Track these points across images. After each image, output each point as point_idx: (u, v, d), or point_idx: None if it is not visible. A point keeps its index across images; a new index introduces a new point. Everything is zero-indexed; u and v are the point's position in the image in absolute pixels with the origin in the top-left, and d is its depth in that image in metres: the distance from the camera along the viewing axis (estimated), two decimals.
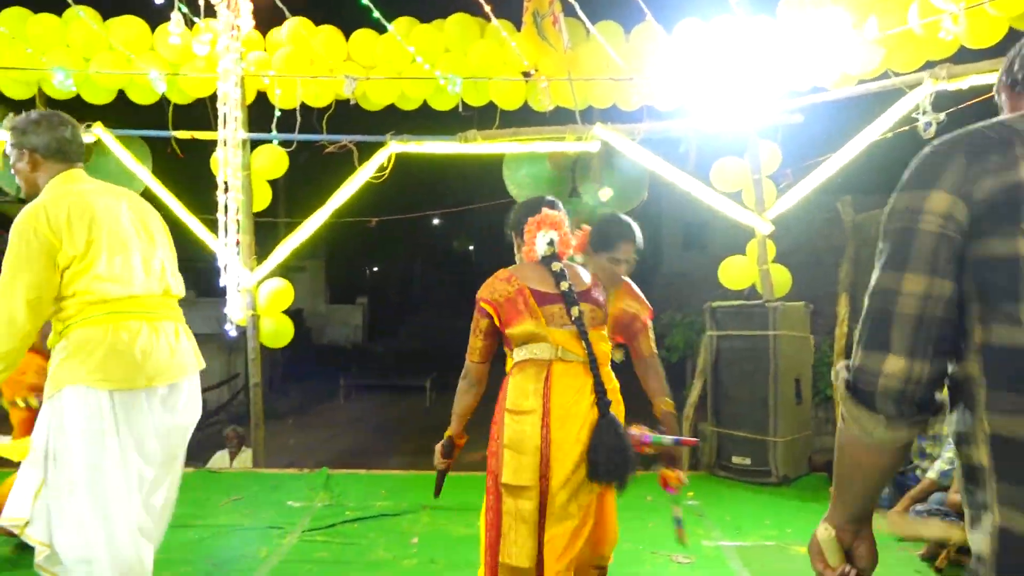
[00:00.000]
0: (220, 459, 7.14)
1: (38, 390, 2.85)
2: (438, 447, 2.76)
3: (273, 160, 6.10)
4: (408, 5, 5.95)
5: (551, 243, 2.52)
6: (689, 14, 5.53)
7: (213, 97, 5.87)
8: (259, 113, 6.11)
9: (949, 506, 3.62)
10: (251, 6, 5.70)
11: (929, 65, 5.04)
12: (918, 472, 4.14)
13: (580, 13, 5.30)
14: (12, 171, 2.58)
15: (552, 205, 2.61)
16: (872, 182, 7.72)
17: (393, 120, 6.22)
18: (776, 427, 5.11)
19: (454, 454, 2.76)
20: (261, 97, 6.12)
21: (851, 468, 1.23)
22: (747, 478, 5.20)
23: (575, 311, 2.42)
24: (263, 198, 6.19)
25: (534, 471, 2.34)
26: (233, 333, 5.97)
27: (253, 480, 5.28)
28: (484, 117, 6.06)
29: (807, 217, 7.30)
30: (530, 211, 2.59)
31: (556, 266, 2.49)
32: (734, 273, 6.05)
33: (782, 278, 5.84)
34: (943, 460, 3.84)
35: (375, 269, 28.47)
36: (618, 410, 2.55)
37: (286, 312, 6.21)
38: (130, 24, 5.90)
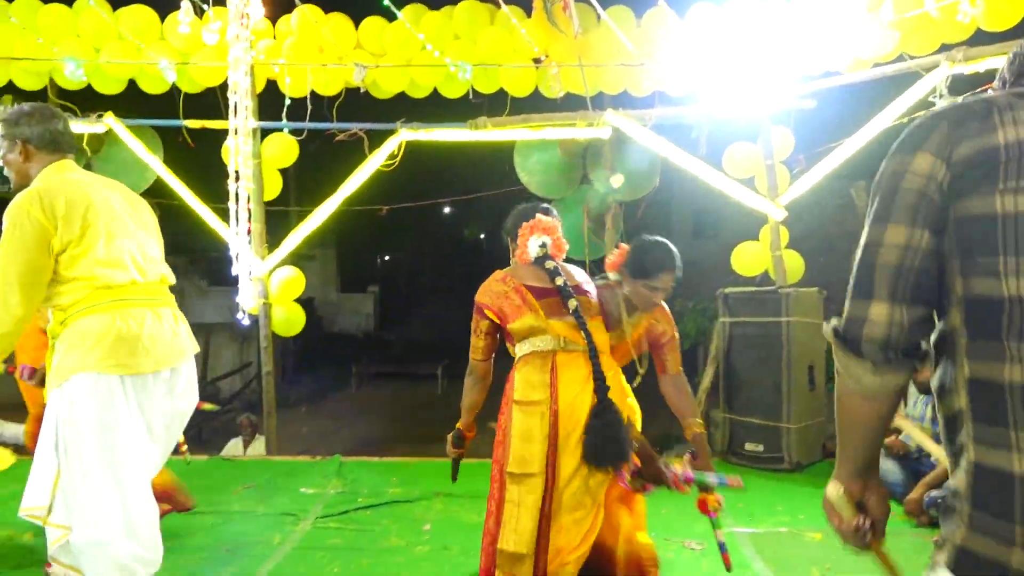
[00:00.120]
0: (234, 447, 7.19)
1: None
2: (449, 438, 2.87)
3: (283, 148, 6.10)
4: None
5: (543, 246, 2.64)
6: None
7: (223, 86, 5.86)
8: (269, 102, 6.10)
9: None
10: None
11: (945, 48, 4.97)
12: (933, 458, 4.12)
13: None
14: (2, 162, 2.59)
15: (546, 212, 2.74)
16: None
17: (403, 108, 6.21)
18: (789, 413, 5.10)
19: (465, 445, 2.88)
20: (271, 86, 6.11)
21: (849, 420, 1.33)
22: (760, 465, 5.19)
23: (572, 303, 2.51)
24: (274, 187, 6.19)
25: (541, 459, 2.39)
26: (245, 322, 6.00)
27: (266, 467, 5.31)
28: (494, 104, 6.04)
29: (820, 203, 7.25)
30: (524, 217, 2.71)
31: (550, 264, 2.60)
32: (747, 259, 6.02)
33: (795, 264, 5.80)
34: None
35: (386, 258, 28.48)
36: (621, 397, 2.55)
37: (298, 301, 6.22)
38: (140, 13, 5.91)
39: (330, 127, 6.06)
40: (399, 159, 5.95)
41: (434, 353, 16.24)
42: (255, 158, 5.93)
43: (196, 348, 2.72)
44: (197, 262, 17.60)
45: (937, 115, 1.22)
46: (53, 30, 5.86)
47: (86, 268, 2.41)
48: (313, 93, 5.96)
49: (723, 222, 14.23)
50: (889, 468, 4.33)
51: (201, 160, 6.30)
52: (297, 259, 6.30)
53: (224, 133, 5.86)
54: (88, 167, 6.34)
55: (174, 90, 6.09)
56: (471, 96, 6.02)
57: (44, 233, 2.36)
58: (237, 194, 5.79)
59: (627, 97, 6.00)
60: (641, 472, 2.56)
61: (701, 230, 17.08)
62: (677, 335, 2.95)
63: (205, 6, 5.65)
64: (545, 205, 2.79)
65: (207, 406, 3.90)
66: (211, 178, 6.09)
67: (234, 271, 5.88)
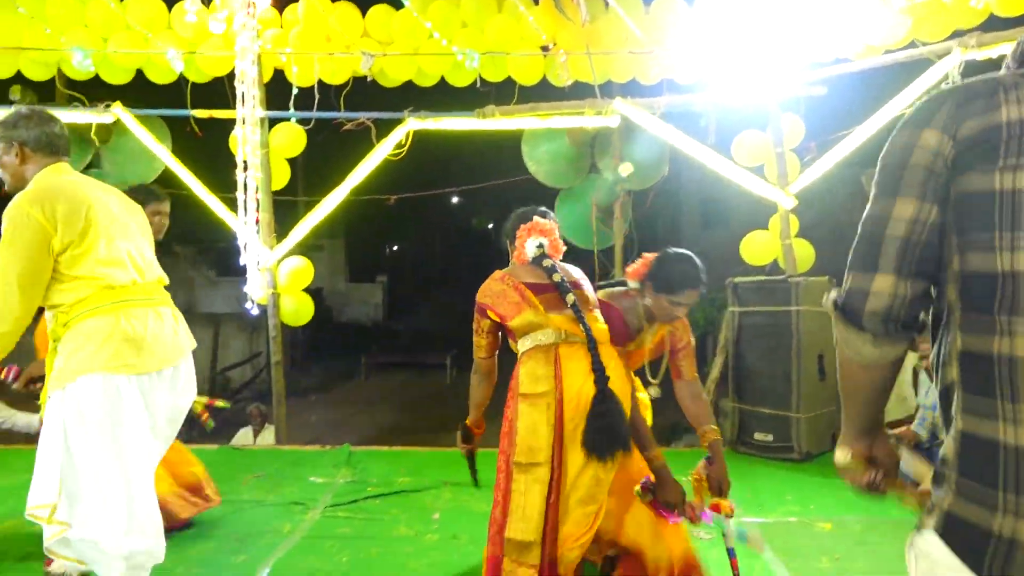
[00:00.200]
0: (244, 436, 7.22)
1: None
2: (457, 434, 2.97)
3: (291, 138, 6.08)
4: None
5: (540, 246, 2.70)
6: None
7: (231, 76, 5.86)
8: (277, 91, 6.09)
9: None
10: None
11: (958, 34, 4.91)
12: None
13: None
14: None
15: (544, 215, 2.80)
16: None
17: (411, 97, 6.18)
18: (799, 403, 5.07)
19: (473, 440, 2.98)
20: (278, 75, 6.10)
21: (850, 387, 1.38)
22: (769, 454, 5.17)
23: (569, 298, 2.57)
24: (282, 177, 6.19)
25: (547, 449, 2.44)
26: (254, 312, 6.01)
27: (276, 457, 5.33)
28: (502, 93, 6.01)
29: (831, 191, 7.19)
30: (522, 220, 2.78)
31: (547, 262, 2.66)
32: (756, 248, 5.98)
33: (805, 253, 5.77)
34: None
35: (394, 248, 28.52)
36: (623, 387, 2.57)
37: (307, 291, 6.23)
38: (147, 3, 5.89)
39: (337, 116, 6.04)
40: (406, 148, 5.94)
41: (443, 343, 16.27)
42: (263, 148, 5.92)
43: (194, 344, 2.77)
44: (206, 252, 17.66)
45: (945, 93, 1.24)
46: (61, 20, 5.85)
47: (88, 268, 2.44)
48: (320, 82, 5.95)
49: (732, 211, 14.17)
50: (903, 458, 4.30)
51: (209, 150, 6.30)
52: (306, 249, 6.30)
53: (232, 123, 5.86)
54: (97, 157, 6.37)
55: (182, 80, 6.08)
56: (479, 85, 5.99)
57: (44, 234, 2.38)
58: (245, 184, 5.79)
59: (636, 85, 5.96)
60: (656, 494, 2.61)
61: (710, 219, 17.00)
62: (693, 341, 2.97)
63: None
64: (542, 208, 2.86)
65: (220, 403, 3.94)
66: (219, 168, 6.09)
67: (242, 261, 5.89)
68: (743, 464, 5.07)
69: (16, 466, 4.74)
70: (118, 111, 5.95)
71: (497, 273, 2.72)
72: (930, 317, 1.30)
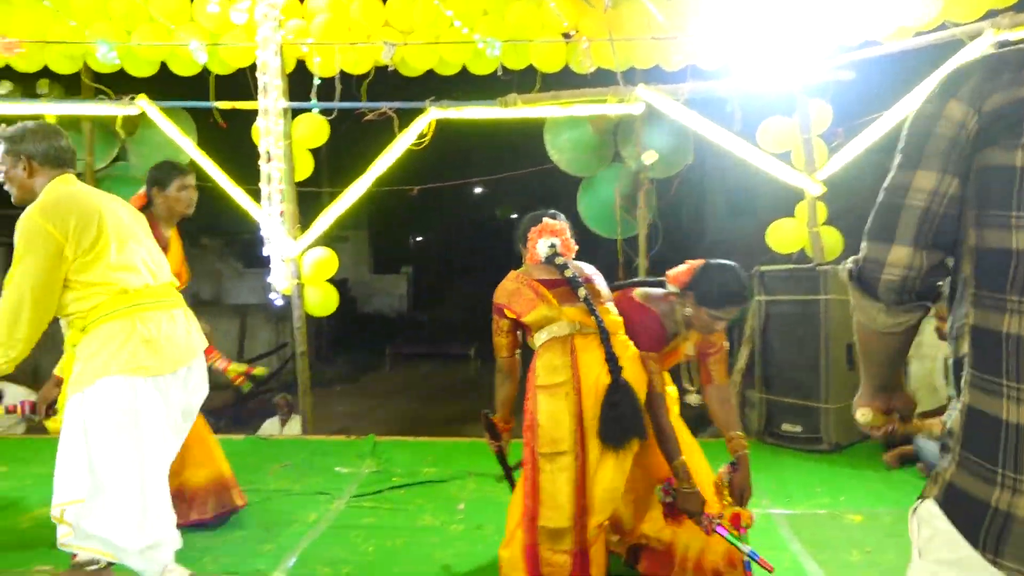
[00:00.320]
0: (271, 426, 7.29)
1: None
2: (486, 433, 3.08)
3: (314, 129, 6.09)
4: None
5: (552, 246, 2.78)
6: None
7: (253, 67, 5.87)
8: (299, 82, 6.09)
9: None
10: None
11: (991, 14, 4.80)
12: None
13: None
14: (3, 177, 2.68)
15: (554, 216, 2.90)
16: None
17: (432, 86, 6.16)
18: (827, 393, 5.00)
19: (501, 436, 3.07)
20: (300, 66, 6.10)
21: (866, 350, 1.41)
22: (797, 445, 5.11)
23: (581, 292, 2.65)
24: (305, 167, 6.19)
25: (570, 438, 2.52)
26: (279, 302, 6.04)
27: (302, 447, 5.36)
28: (524, 81, 5.96)
29: (859, 178, 7.06)
30: (533, 222, 2.87)
31: (559, 260, 2.75)
32: (783, 236, 5.89)
33: (833, 241, 5.67)
34: None
35: (418, 238, 28.57)
36: (638, 375, 2.63)
37: (332, 281, 6.24)
38: None
39: (359, 107, 6.03)
40: (428, 138, 5.92)
41: (467, 333, 16.26)
42: (285, 138, 5.93)
43: (206, 343, 2.87)
44: (232, 244, 17.80)
45: (974, 63, 1.22)
46: (86, 13, 5.89)
47: (100, 274, 2.52)
48: (342, 72, 5.94)
49: (758, 198, 13.99)
50: (932, 448, 4.24)
51: (232, 142, 6.32)
52: (330, 240, 6.31)
53: (255, 114, 5.88)
54: (123, 150, 6.44)
55: (205, 72, 6.11)
56: (500, 73, 5.95)
57: (57, 245, 2.46)
58: (269, 175, 5.81)
59: (659, 72, 5.89)
60: (676, 500, 2.65)
61: (735, 207, 16.79)
62: (727, 346, 2.96)
63: None
64: (552, 211, 2.95)
65: (258, 371, 3.98)
66: (242, 160, 6.12)
67: (266, 252, 5.92)
68: (770, 455, 5.01)
69: (52, 456, 4.80)
70: (143, 103, 5.99)
71: (512, 273, 2.82)
72: (948, 287, 1.30)
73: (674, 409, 3.04)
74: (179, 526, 3.37)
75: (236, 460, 3.97)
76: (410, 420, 10.65)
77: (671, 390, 3.10)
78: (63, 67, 6.13)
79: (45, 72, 6.17)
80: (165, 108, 6.08)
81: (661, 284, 2.91)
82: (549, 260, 2.77)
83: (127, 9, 5.86)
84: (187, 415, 2.78)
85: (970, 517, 1.15)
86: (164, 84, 6.30)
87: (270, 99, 5.80)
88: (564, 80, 5.98)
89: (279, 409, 7.38)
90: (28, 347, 2.52)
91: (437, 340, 17.75)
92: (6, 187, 2.71)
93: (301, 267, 6.02)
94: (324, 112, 6.07)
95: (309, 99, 6.04)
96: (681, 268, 2.82)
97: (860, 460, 4.81)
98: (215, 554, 3.35)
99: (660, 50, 5.69)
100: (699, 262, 2.81)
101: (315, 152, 6.31)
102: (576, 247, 2.89)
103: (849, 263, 1.33)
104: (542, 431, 2.55)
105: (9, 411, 2.94)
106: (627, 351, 2.65)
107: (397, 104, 6.00)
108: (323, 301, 6.11)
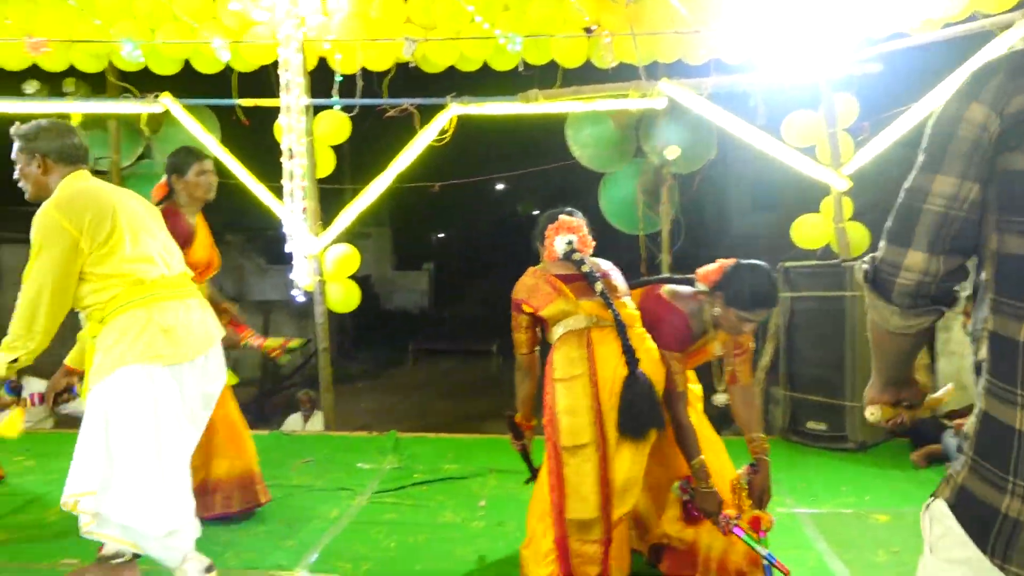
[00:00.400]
0: (294, 422, 7.34)
1: None
2: (509, 433, 3.11)
3: (335, 125, 6.10)
4: None
5: (570, 243, 2.82)
6: None
7: (275, 64, 5.90)
8: (320, 79, 6.11)
9: None
10: None
11: (1023, 4, 4.69)
12: None
13: None
14: (18, 175, 2.75)
15: (571, 213, 2.94)
16: None
17: (454, 82, 6.15)
18: (853, 391, 4.93)
19: (523, 435, 3.09)
20: (322, 63, 6.11)
21: (879, 348, 1.40)
22: (822, 444, 5.04)
23: (598, 286, 2.66)
24: (327, 164, 6.21)
25: (590, 429, 2.54)
26: (300, 299, 6.06)
27: (324, 443, 5.38)
28: (545, 76, 5.93)
29: (886, 172, 6.96)
30: (550, 220, 2.91)
31: (576, 256, 2.78)
32: (808, 232, 5.82)
33: (859, 236, 5.60)
34: None
35: (440, 235, 28.62)
36: (656, 368, 2.64)
37: (354, 278, 6.26)
38: None
39: (381, 103, 6.03)
40: (450, 134, 5.91)
41: (489, 329, 16.25)
42: (307, 135, 5.96)
43: (222, 332, 2.91)
44: (255, 240, 17.94)
45: (997, 63, 1.18)
46: (111, 12, 5.94)
47: (115, 266, 2.57)
48: (363, 69, 5.93)
49: (783, 194, 13.83)
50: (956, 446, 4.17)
51: (255, 139, 6.36)
52: (352, 237, 6.33)
53: (277, 111, 5.90)
54: (148, 148, 6.50)
55: (228, 69, 6.14)
56: (521, 68, 5.92)
57: (72, 240, 2.52)
58: (291, 172, 5.84)
59: (682, 66, 5.83)
60: (694, 499, 2.66)
61: (759, 202, 16.61)
62: (754, 347, 2.93)
63: None
64: (568, 208, 2.98)
65: (295, 342, 4.01)
66: (264, 157, 6.15)
67: (288, 248, 5.94)
68: (795, 454, 4.96)
69: None
70: (167, 101, 6.03)
71: (530, 269, 2.85)
72: (970, 289, 1.28)
73: (697, 407, 3.01)
74: (204, 519, 3.44)
75: (259, 456, 3.98)
76: (432, 416, 10.68)
77: (695, 388, 3.07)
78: (89, 66, 6.19)
79: (71, 71, 6.24)
80: (188, 106, 6.13)
81: (690, 282, 2.87)
82: (566, 256, 2.79)
83: (151, 8, 5.90)
84: (206, 403, 2.83)
85: (980, 522, 1.15)
86: (188, 82, 6.34)
87: (292, 96, 5.82)
88: (585, 75, 5.94)
89: (302, 405, 7.43)
90: (47, 339, 2.59)
91: (459, 336, 17.80)
92: (21, 184, 2.76)
93: (323, 263, 6.04)
94: (346, 109, 6.08)
95: (331, 96, 6.05)
96: (712, 267, 2.77)
97: (886, 459, 4.74)
98: (237, 549, 3.37)
99: (683, 44, 5.64)
100: (730, 261, 2.76)
101: (337, 149, 6.32)
102: (593, 243, 2.91)
103: (865, 263, 1.31)
104: (562, 425, 2.56)
105: (18, 404, 2.96)
106: (644, 343, 2.65)
107: (418, 100, 6.00)
108: (345, 297, 6.13)
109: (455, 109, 5.85)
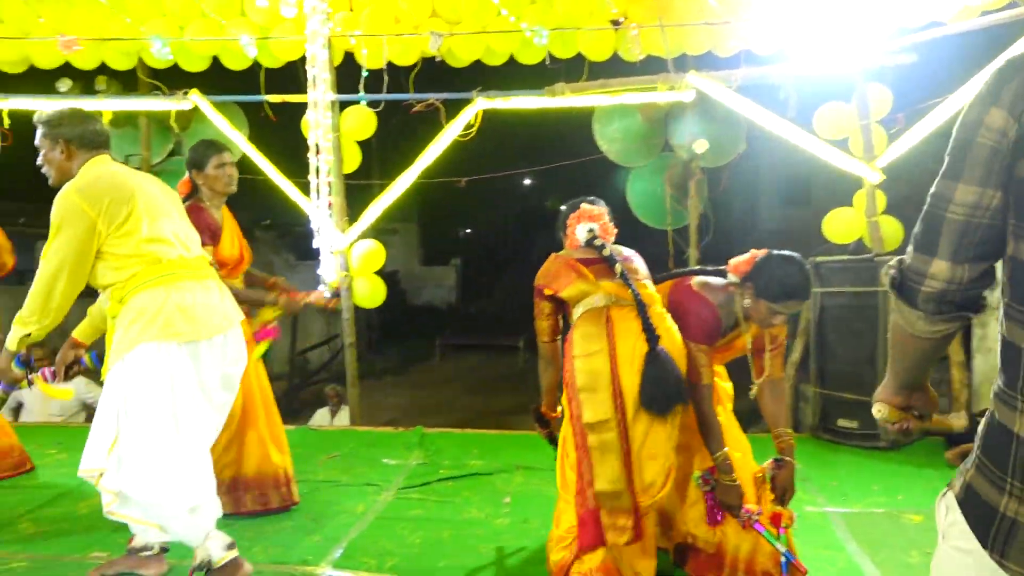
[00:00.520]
0: (321, 416, 7.39)
1: None
2: (535, 422, 3.12)
3: (362, 121, 6.11)
4: None
5: (591, 231, 2.81)
6: None
7: (302, 60, 5.92)
8: (347, 74, 6.12)
9: None
10: None
11: None
12: None
13: None
14: (42, 160, 2.81)
15: (592, 202, 2.93)
16: None
17: (480, 77, 6.13)
18: None
19: (550, 425, 3.09)
20: (348, 58, 6.12)
21: (899, 348, 1.40)
22: (854, 442, 4.95)
23: (618, 268, 2.66)
24: (353, 160, 6.22)
25: (610, 405, 2.53)
26: (327, 294, 6.08)
27: (351, 438, 5.40)
28: (572, 70, 5.88)
29: (920, 165, 6.82)
30: (572, 209, 2.92)
31: (598, 241, 2.78)
32: (840, 226, 5.71)
33: (893, 231, 5.48)
34: None
35: (467, 230, 28.65)
36: (676, 347, 2.62)
37: (381, 274, 6.27)
38: None
39: (407, 98, 6.02)
40: (476, 128, 5.89)
41: (516, 324, 16.24)
42: (334, 131, 5.97)
43: (241, 316, 2.95)
44: (284, 236, 18.06)
45: (1017, 63, 1.15)
46: (141, 10, 6.00)
47: (133, 246, 2.65)
48: (390, 64, 5.93)
49: (814, 187, 13.67)
50: None
51: (282, 135, 6.39)
52: (379, 233, 6.35)
53: (304, 107, 5.93)
54: (178, 145, 6.56)
55: (255, 66, 6.18)
56: (548, 62, 5.88)
57: (90, 222, 2.59)
58: (317, 168, 5.86)
59: (711, 58, 5.76)
60: (715, 492, 2.64)
61: (790, 196, 16.41)
62: (786, 341, 2.88)
63: None
64: (591, 197, 2.98)
65: (333, 283, 4.05)
66: (291, 153, 6.18)
67: (315, 244, 5.96)
68: (825, 451, 4.88)
69: None
70: (195, 98, 6.09)
71: (552, 256, 2.86)
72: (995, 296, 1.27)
73: (728, 406, 2.96)
74: (237, 514, 3.46)
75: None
76: (458, 412, 10.69)
77: (726, 386, 3.02)
78: (119, 64, 6.26)
79: (102, 69, 6.31)
80: (217, 103, 6.18)
81: (722, 274, 2.81)
82: (588, 244, 2.79)
83: (180, 6, 5.96)
84: (226, 384, 2.86)
85: (981, 518, 1.18)
86: (216, 79, 6.40)
87: (319, 92, 5.84)
88: (613, 68, 5.89)
89: (329, 400, 7.47)
90: (60, 316, 2.68)
91: (485, 332, 17.78)
92: (44, 169, 2.83)
93: (350, 259, 6.05)
94: (372, 104, 6.09)
95: (357, 91, 6.06)
96: (743, 257, 2.72)
97: (919, 458, 4.65)
98: (264, 544, 3.38)
99: (713, 36, 5.56)
100: (762, 252, 2.70)
101: (363, 144, 6.33)
102: (615, 231, 2.90)
103: (892, 268, 1.31)
104: (583, 402, 2.56)
105: (31, 381, 3.00)
106: (663, 322, 2.64)
107: (444, 95, 5.98)
108: (371, 293, 6.14)
109: (481, 104, 5.82)
